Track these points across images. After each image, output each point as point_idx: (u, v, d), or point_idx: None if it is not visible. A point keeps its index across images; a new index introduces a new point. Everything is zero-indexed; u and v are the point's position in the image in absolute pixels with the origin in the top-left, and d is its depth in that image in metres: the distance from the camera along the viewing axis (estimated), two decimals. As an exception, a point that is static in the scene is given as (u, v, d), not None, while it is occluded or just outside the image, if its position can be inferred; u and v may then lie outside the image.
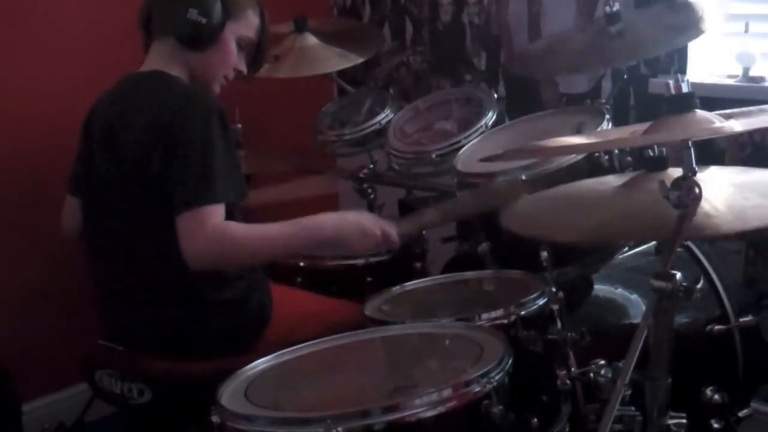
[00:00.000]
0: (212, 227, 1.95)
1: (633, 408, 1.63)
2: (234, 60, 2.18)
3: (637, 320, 1.82)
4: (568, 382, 1.93)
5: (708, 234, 1.55)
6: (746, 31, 2.71)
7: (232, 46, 2.16)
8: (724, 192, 1.58)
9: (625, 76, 2.64)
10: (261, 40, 2.24)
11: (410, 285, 2.22)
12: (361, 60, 2.98)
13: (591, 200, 1.78)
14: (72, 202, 2.27)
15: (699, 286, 1.55)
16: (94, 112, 2.20)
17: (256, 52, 2.25)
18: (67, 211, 2.29)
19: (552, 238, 1.91)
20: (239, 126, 2.77)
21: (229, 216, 2.00)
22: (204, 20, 2.08)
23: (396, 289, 2.20)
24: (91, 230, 2.21)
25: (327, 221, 2.09)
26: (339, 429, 1.47)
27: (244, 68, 2.23)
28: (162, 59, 2.15)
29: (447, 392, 1.55)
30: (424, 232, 2.64)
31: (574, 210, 1.78)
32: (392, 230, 2.13)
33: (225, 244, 1.97)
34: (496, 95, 2.69)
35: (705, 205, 1.48)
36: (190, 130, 2.00)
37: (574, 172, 2.18)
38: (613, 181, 1.80)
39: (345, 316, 2.10)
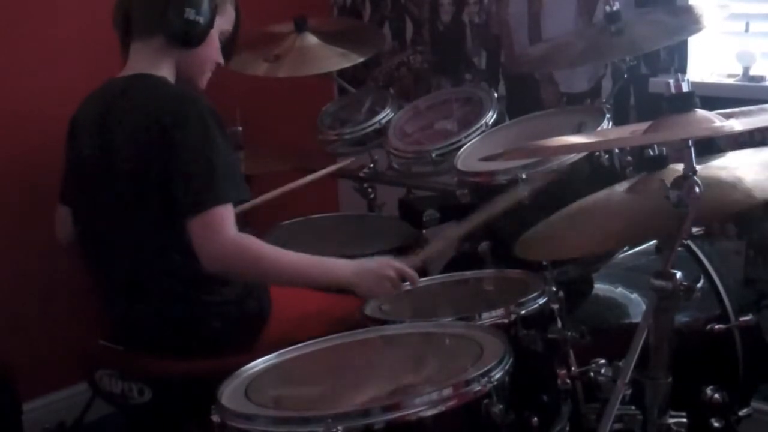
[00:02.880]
0: (233, 238, 1.97)
1: (633, 407, 1.64)
2: (217, 54, 2.19)
3: (637, 319, 1.82)
4: (568, 381, 1.93)
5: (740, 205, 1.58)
6: (746, 30, 2.71)
7: (217, 41, 2.17)
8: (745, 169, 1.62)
9: (626, 76, 2.64)
10: (235, 32, 2.25)
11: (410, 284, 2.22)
12: (361, 59, 2.98)
13: (597, 212, 1.79)
14: (63, 211, 2.26)
15: (699, 285, 1.55)
16: (78, 119, 2.18)
17: (228, 43, 2.25)
18: (60, 219, 2.27)
19: (566, 256, 1.92)
20: (240, 129, 2.76)
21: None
22: (201, 19, 2.08)
23: (396, 288, 2.19)
24: (88, 232, 2.20)
25: (346, 264, 2.10)
26: (339, 428, 1.47)
27: (222, 61, 2.22)
28: (148, 60, 2.12)
29: (447, 391, 1.55)
30: (424, 230, 2.63)
31: (582, 225, 1.79)
32: (407, 269, 2.11)
33: (239, 257, 1.99)
34: (496, 94, 2.68)
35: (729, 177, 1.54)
36: (190, 131, 1.99)
37: (574, 172, 2.18)
38: (616, 190, 1.81)
39: (345, 312, 2.09)
